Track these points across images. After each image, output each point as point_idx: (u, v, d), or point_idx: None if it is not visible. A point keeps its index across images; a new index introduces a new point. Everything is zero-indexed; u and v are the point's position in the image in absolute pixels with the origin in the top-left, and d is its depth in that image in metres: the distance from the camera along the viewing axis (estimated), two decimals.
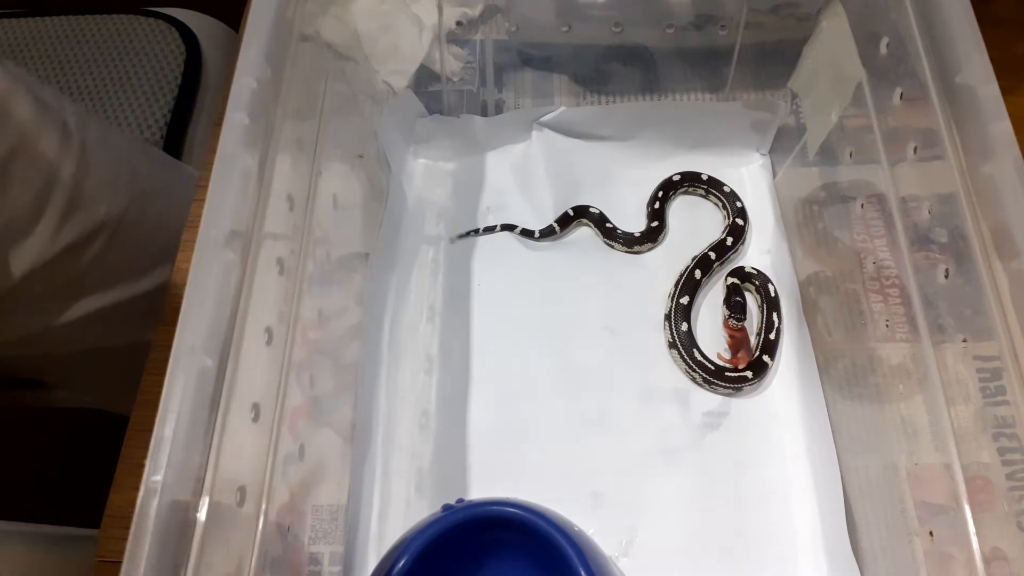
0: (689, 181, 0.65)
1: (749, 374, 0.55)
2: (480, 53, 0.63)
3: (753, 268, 0.60)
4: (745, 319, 0.58)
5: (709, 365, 0.55)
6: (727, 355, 0.57)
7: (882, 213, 0.47)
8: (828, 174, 0.56)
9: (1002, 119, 0.37)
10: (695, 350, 0.56)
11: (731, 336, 0.58)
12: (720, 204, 0.64)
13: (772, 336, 0.57)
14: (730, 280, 0.60)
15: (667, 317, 0.58)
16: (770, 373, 0.56)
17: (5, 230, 0.59)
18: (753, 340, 0.58)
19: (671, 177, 0.65)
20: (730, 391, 0.55)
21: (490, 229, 0.63)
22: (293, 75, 0.45)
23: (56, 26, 0.98)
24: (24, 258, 0.61)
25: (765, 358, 0.56)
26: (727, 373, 0.55)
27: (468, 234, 0.63)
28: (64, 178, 0.62)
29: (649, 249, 0.63)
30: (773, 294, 0.59)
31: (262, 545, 0.38)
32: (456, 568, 0.45)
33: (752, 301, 0.60)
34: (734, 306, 0.58)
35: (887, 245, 0.47)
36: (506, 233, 0.63)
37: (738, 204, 0.63)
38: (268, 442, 0.40)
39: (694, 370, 0.55)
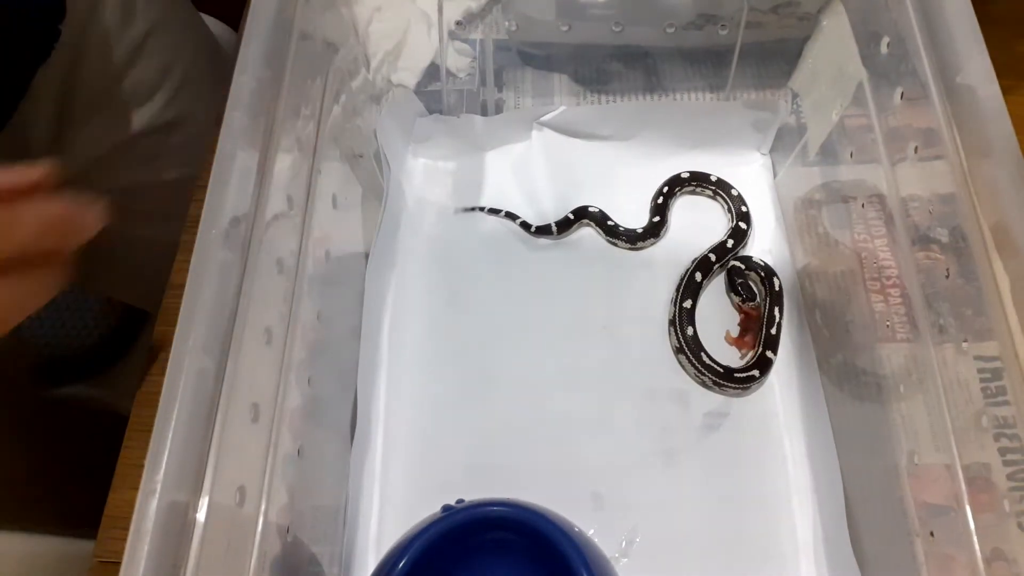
0: (698, 180, 0.64)
1: (756, 372, 0.55)
2: (480, 52, 0.63)
3: (760, 259, 0.60)
4: (757, 297, 0.58)
5: (718, 368, 0.55)
6: (734, 334, 0.58)
7: (883, 213, 0.47)
8: (829, 174, 0.56)
9: (1003, 119, 0.37)
10: (703, 353, 0.56)
11: (746, 315, 0.58)
12: (726, 207, 0.64)
13: (774, 331, 0.57)
14: (731, 263, 0.60)
15: (672, 322, 0.58)
16: (771, 372, 0.56)
17: (132, 95, 0.67)
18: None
19: (679, 174, 0.64)
20: (739, 391, 0.55)
21: (495, 211, 0.63)
22: (293, 75, 0.45)
23: None
24: (139, 121, 0.69)
25: (768, 354, 0.56)
26: (736, 374, 0.55)
27: (473, 209, 0.64)
28: (184, 58, 0.70)
29: (652, 244, 0.63)
30: (777, 288, 0.59)
31: (262, 545, 0.38)
32: (456, 569, 0.45)
33: (754, 291, 0.60)
34: (742, 288, 0.58)
35: (888, 245, 0.47)
36: (506, 231, 0.63)
37: (743, 208, 0.63)
38: (267, 442, 0.40)
39: (704, 374, 0.55)
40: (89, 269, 0.80)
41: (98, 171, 0.69)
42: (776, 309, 0.58)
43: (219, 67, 0.80)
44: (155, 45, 0.69)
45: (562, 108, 0.65)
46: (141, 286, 0.80)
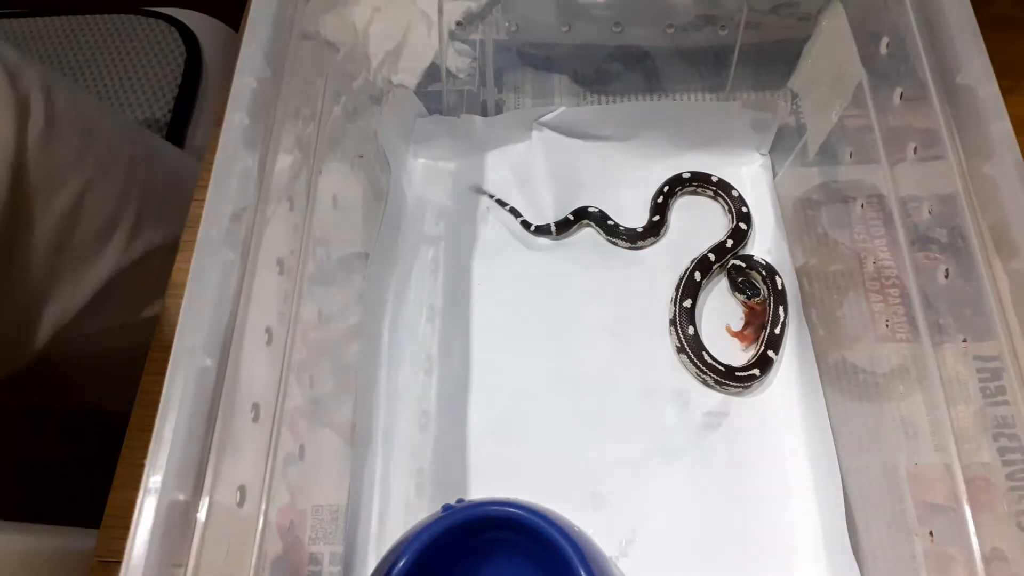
0: (699, 181, 0.65)
1: (757, 371, 0.55)
2: (480, 53, 0.63)
3: (762, 258, 0.60)
4: (761, 293, 0.58)
5: (719, 366, 0.55)
6: (736, 328, 0.58)
7: (882, 213, 0.47)
8: (828, 174, 0.56)
9: (1002, 119, 0.37)
10: (704, 352, 0.56)
11: (751, 310, 0.58)
12: (726, 207, 0.64)
13: (777, 331, 0.57)
14: (732, 263, 0.60)
15: (672, 322, 0.58)
16: (772, 371, 0.56)
17: (87, 242, 0.64)
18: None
19: (680, 174, 0.65)
20: (740, 390, 0.55)
21: (502, 203, 0.64)
22: (293, 75, 0.45)
23: (56, 26, 0.98)
24: (104, 267, 0.66)
25: (770, 353, 0.56)
26: (737, 373, 0.55)
27: (482, 192, 0.65)
28: (137, 189, 0.67)
29: (652, 244, 0.63)
30: (780, 287, 0.59)
31: (262, 545, 0.38)
32: (456, 568, 0.45)
33: (758, 287, 0.60)
34: (744, 285, 0.58)
35: (887, 245, 0.47)
36: (506, 232, 0.63)
37: (744, 209, 0.63)
38: (268, 442, 0.40)
39: (705, 372, 0.55)
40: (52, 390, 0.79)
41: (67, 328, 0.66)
42: (781, 308, 0.58)
43: (174, 179, 0.76)
44: (96, 198, 0.65)
45: (562, 108, 0.65)
46: (108, 390, 0.79)
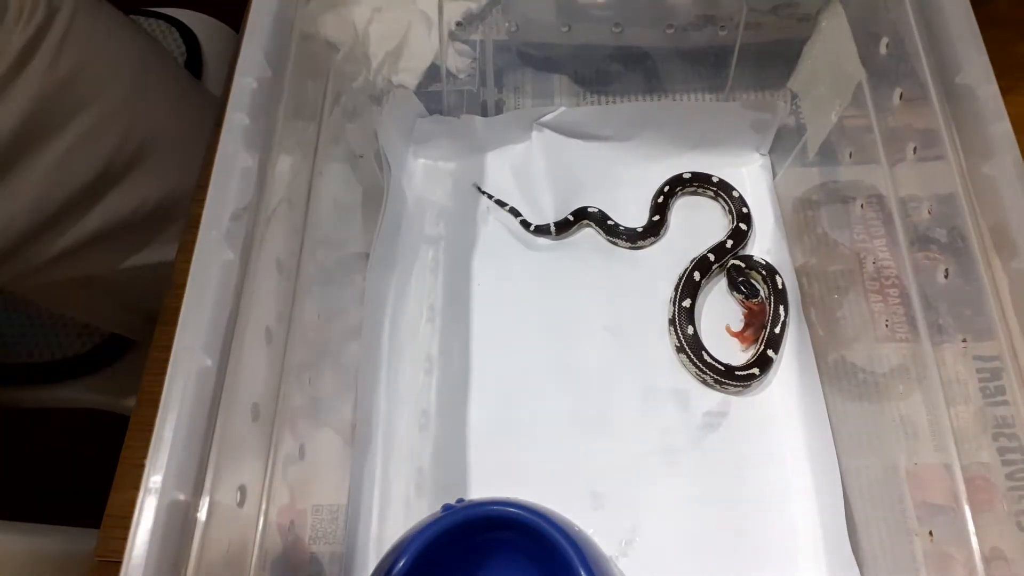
0: (700, 181, 0.65)
1: (756, 371, 0.55)
2: (480, 53, 0.63)
3: (762, 258, 0.60)
4: (760, 294, 0.58)
5: (719, 366, 0.55)
6: (736, 329, 0.58)
7: (882, 213, 0.47)
8: (828, 174, 0.56)
9: (1002, 119, 0.37)
10: (703, 352, 0.56)
11: (749, 310, 0.58)
12: (727, 208, 0.64)
13: (777, 330, 0.57)
14: (731, 263, 0.60)
15: (671, 322, 0.58)
16: (772, 371, 0.56)
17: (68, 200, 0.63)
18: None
19: (681, 174, 0.65)
20: (739, 389, 0.55)
21: (502, 203, 0.64)
22: (293, 75, 0.45)
23: None
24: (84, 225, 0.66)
25: (769, 352, 0.56)
26: (736, 372, 0.55)
27: (483, 192, 0.65)
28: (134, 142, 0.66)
29: (652, 243, 0.63)
30: (780, 286, 0.59)
31: (262, 545, 0.38)
32: (456, 568, 0.45)
33: (756, 287, 0.60)
34: (743, 285, 0.59)
35: (887, 245, 0.47)
36: (506, 232, 0.63)
37: (744, 209, 0.63)
38: (268, 442, 0.40)
39: (705, 372, 0.55)
40: (69, 300, 0.79)
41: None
42: (781, 308, 0.58)
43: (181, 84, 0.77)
44: (87, 155, 0.65)
45: (562, 109, 0.65)
46: (122, 315, 0.80)
